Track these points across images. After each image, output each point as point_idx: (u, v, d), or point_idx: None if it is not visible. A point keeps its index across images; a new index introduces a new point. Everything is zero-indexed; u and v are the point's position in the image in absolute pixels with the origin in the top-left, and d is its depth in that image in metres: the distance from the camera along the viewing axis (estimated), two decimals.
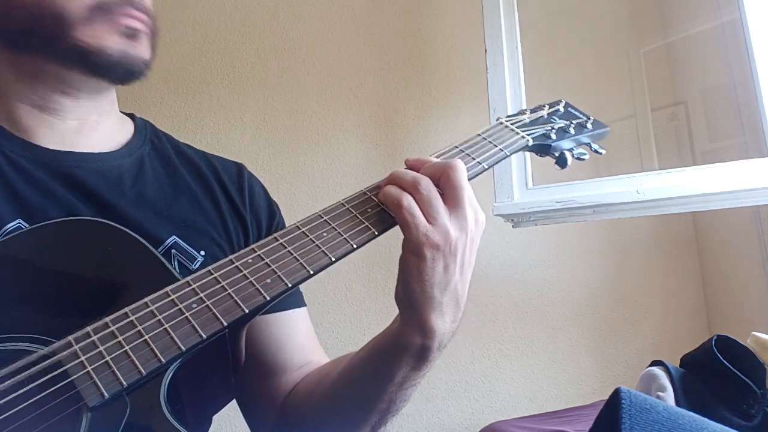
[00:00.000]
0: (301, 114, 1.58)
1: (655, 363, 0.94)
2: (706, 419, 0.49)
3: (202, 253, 0.71)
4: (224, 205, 0.78)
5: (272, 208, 0.85)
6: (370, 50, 1.64)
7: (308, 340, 0.81)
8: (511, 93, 1.38)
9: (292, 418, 0.75)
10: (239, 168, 0.85)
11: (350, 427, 0.68)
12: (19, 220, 0.62)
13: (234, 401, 0.72)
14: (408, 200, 0.58)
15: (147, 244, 0.59)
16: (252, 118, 1.55)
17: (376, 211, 0.62)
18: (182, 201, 0.75)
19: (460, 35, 1.66)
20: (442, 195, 0.59)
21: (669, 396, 0.86)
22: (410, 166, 0.65)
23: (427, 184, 0.59)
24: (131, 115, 0.82)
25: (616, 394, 0.49)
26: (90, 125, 0.73)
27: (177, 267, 0.69)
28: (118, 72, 0.69)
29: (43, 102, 0.70)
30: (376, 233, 0.61)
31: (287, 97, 1.58)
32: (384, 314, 1.49)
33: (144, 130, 0.80)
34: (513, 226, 1.38)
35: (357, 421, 0.67)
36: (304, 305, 0.83)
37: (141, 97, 1.51)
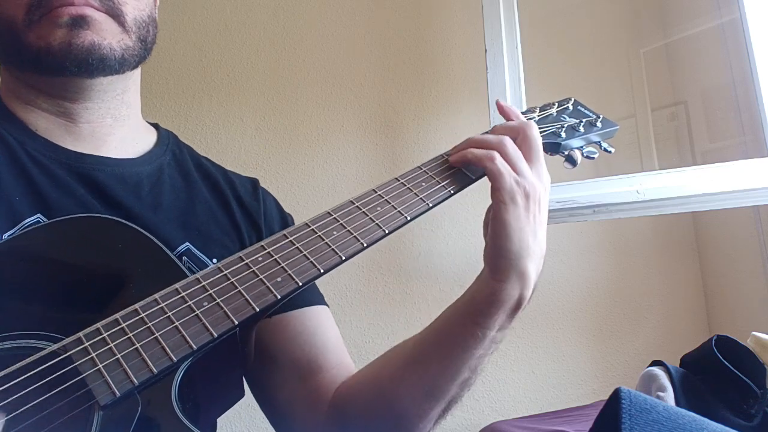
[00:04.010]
0: (301, 114, 1.58)
1: (655, 363, 0.94)
2: (706, 419, 0.49)
3: (214, 261, 0.71)
4: (239, 216, 0.79)
5: (285, 220, 0.85)
6: (370, 50, 1.64)
7: (337, 339, 0.79)
8: (511, 93, 1.38)
9: (348, 414, 0.70)
10: (254, 182, 0.86)
11: (427, 402, 0.64)
12: (39, 215, 0.63)
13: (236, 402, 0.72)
14: (497, 155, 0.63)
15: (160, 243, 0.59)
16: (252, 118, 1.55)
17: (385, 208, 0.63)
18: (197, 210, 0.75)
19: (460, 35, 1.66)
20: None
21: (669, 396, 0.86)
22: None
23: (511, 143, 0.65)
24: (156, 126, 0.83)
25: (616, 394, 0.49)
26: (105, 129, 0.73)
27: (188, 273, 0.68)
28: (71, 66, 0.65)
29: (52, 107, 0.70)
30: (386, 231, 0.61)
31: (287, 97, 1.58)
32: (384, 314, 1.49)
33: (167, 140, 0.81)
34: None
35: (435, 395, 0.64)
36: (326, 305, 0.81)
37: (140, 97, 1.51)
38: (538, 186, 0.64)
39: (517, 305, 0.62)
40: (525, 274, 0.61)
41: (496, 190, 0.62)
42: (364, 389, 0.69)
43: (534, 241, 0.62)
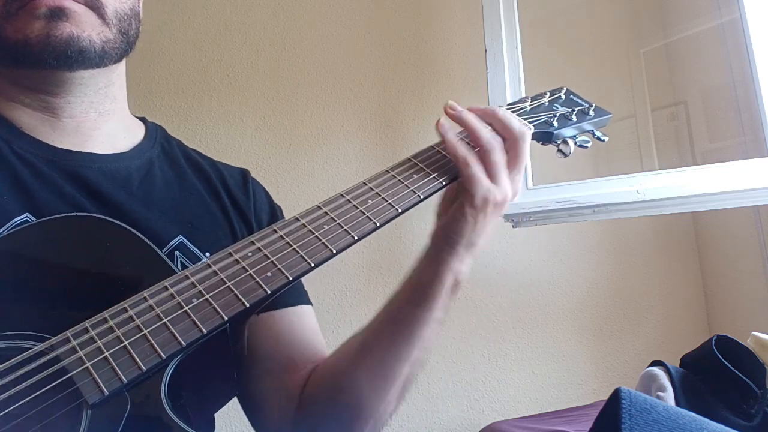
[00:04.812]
0: (301, 114, 1.58)
1: (655, 363, 0.94)
2: (706, 419, 0.49)
3: (207, 254, 0.71)
4: (231, 209, 0.78)
5: (274, 211, 0.84)
6: (370, 50, 1.64)
7: (318, 337, 0.80)
8: (511, 93, 1.38)
9: (313, 403, 0.71)
10: (244, 173, 0.85)
11: (384, 385, 0.67)
12: (27, 214, 0.62)
13: (235, 399, 0.71)
14: (476, 162, 0.64)
15: (148, 241, 0.59)
16: (252, 118, 1.55)
17: (375, 201, 0.62)
18: (190, 202, 0.74)
19: (460, 35, 1.66)
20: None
21: (669, 396, 0.86)
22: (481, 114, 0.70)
23: (500, 149, 0.66)
24: (143, 120, 0.82)
25: (616, 394, 0.49)
26: (89, 124, 0.72)
27: (180, 267, 0.67)
28: (49, 58, 0.64)
29: (34, 102, 0.69)
30: (377, 224, 0.61)
31: (287, 97, 1.58)
32: None
33: (155, 133, 0.80)
34: (513, 226, 1.38)
35: (391, 377, 0.67)
36: (311, 304, 0.82)
37: (140, 97, 1.51)
38: (509, 195, 0.66)
39: (455, 286, 0.66)
40: (465, 260, 0.65)
41: (468, 193, 0.63)
42: (325, 380, 0.71)
43: (480, 239, 0.66)
